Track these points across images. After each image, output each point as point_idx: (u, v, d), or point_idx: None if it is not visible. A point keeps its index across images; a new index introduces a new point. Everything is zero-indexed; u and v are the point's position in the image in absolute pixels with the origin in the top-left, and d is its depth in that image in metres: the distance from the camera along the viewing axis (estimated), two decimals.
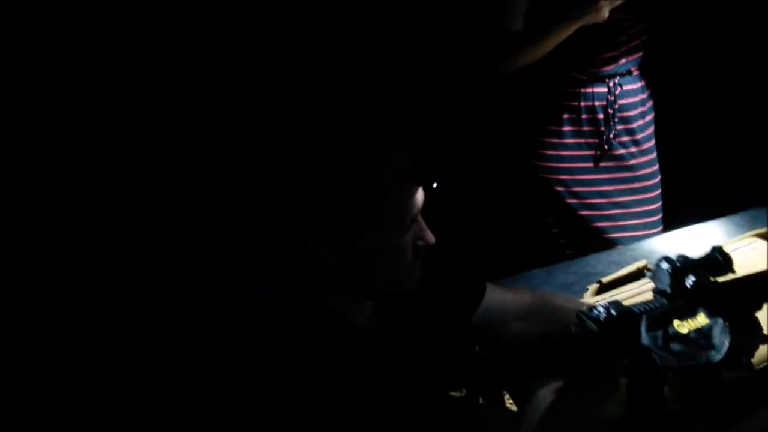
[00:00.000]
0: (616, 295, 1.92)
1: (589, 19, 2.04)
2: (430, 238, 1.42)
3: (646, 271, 2.02)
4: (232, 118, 2.51)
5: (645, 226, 2.39)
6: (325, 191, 1.33)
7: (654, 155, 2.41)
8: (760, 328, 1.50)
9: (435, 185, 1.42)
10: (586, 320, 1.29)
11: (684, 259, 1.32)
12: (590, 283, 1.97)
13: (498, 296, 1.71)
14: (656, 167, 2.43)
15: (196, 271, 2.42)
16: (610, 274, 1.99)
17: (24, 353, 2.27)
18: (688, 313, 1.34)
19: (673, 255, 1.38)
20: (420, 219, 1.41)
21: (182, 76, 2.47)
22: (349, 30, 2.57)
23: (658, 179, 2.42)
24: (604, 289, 1.96)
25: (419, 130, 1.45)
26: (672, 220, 2.24)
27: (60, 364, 2.29)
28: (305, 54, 2.53)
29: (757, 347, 1.54)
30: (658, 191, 2.43)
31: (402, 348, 1.51)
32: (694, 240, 2.16)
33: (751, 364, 1.50)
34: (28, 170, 2.33)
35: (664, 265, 1.31)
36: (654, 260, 2.02)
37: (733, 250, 1.95)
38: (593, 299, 1.91)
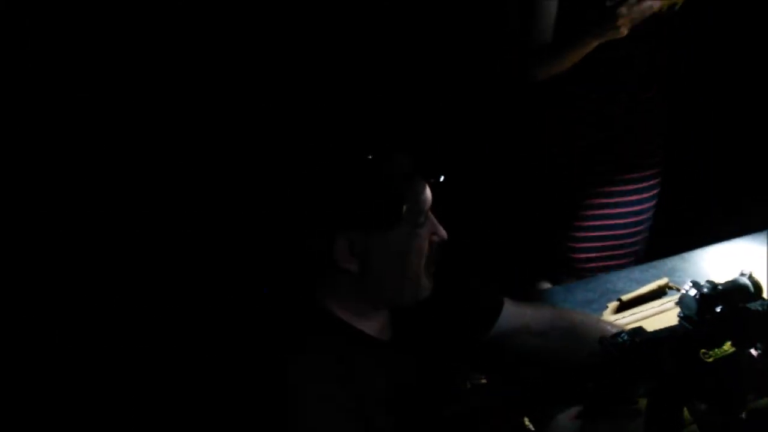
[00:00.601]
0: (636, 313, 1.88)
1: (608, 36, 2.07)
2: (443, 232, 1.44)
3: (667, 289, 1.98)
4: (235, 120, 2.49)
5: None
6: (333, 193, 1.33)
7: (650, 193, 2.37)
8: None
9: (441, 179, 1.43)
10: (609, 347, 1.25)
11: (712, 285, 1.27)
12: (610, 300, 1.92)
13: (516, 311, 1.69)
14: (644, 205, 2.37)
15: (198, 271, 2.40)
16: (630, 291, 1.95)
17: (23, 352, 2.25)
18: (715, 341, 1.29)
19: (700, 279, 1.33)
20: (431, 215, 1.42)
21: (183, 77, 2.45)
22: (353, 30, 2.55)
23: (639, 218, 2.37)
24: (624, 307, 1.91)
25: (423, 128, 1.44)
26: (694, 239, 2.19)
27: (57, 363, 2.26)
28: (306, 55, 2.51)
29: None
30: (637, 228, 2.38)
31: (415, 361, 1.49)
32: (717, 260, 2.11)
33: None
34: (29, 170, 2.32)
35: (692, 292, 1.27)
36: (676, 279, 2.00)
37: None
38: (613, 317, 1.86)
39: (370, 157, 1.34)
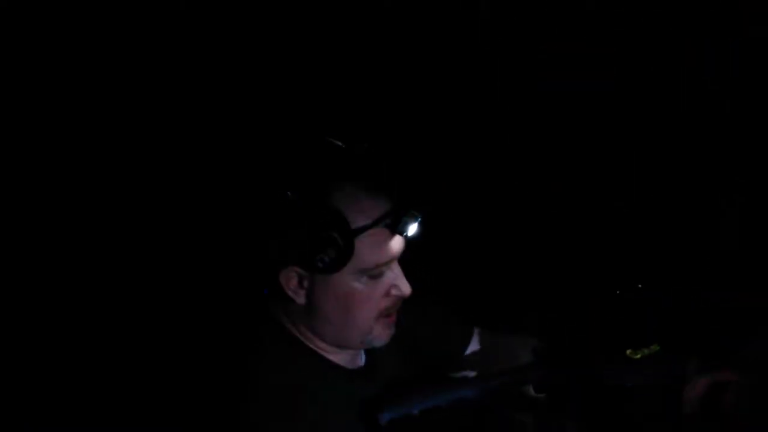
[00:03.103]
0: None
1: None
2: (405, 288, 1.38)
3: None
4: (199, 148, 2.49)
5: None
6: (274, 229, 1.31)
7: None
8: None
9: (410, 234, 1.35)
10: (536, 355, 1.34)
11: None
12: None
13: (488, 339, 1.72)
14: None
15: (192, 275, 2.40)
16: None
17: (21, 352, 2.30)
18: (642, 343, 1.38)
19: None
20: (396, 267, 1.38)
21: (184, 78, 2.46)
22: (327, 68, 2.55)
23: None
24: None
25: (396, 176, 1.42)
26: None
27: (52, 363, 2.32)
28: (276, 94, 2.50)
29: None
30: None
31: (384, 390, 1.48)
32: None
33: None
34: (29, 170, 2.36)
35: None
36: None
37: None
38: None
39: (319, 206, 1.28)
